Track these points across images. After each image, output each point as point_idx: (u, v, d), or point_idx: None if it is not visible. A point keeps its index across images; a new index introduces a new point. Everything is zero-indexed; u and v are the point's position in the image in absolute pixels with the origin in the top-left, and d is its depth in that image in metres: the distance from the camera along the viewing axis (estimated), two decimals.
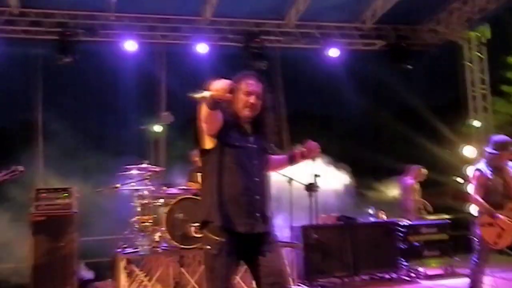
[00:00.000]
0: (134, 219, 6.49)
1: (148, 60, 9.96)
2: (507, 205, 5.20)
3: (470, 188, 5.43)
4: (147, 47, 9.68)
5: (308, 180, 6.80)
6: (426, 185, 13.95)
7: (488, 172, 5.28)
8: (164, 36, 9.67)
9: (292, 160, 3.48)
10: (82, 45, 9.10)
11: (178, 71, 10.10)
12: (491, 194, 5.22)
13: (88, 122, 10.84)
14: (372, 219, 7.85)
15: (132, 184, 6.50)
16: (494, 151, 5.30)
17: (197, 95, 2.81)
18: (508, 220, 5.10)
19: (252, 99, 3.12)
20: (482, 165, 5.36)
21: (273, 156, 3.42)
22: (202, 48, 9.66)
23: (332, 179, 8.63)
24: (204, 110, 2.91)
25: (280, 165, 3.53)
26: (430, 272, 7.60)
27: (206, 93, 2.79)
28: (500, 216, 5.10)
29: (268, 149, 3.29)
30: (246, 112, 3.13)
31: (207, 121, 2.97)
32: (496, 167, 5.30)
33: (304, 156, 3.45)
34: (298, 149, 3.44)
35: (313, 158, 3.56)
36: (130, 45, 9.28)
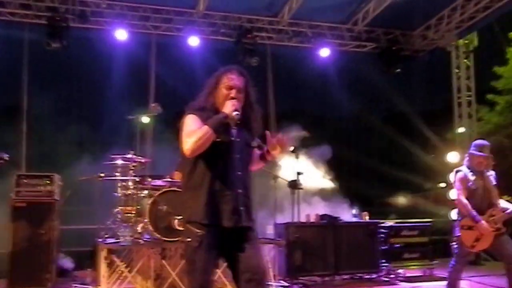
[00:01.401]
0: (117, 209, 6.46)
1: (139, 50, 9.88)
2: (487, 210, 5.28)
3: (453, 192, 5.49)
4: (138, 37, 9.60)
5: (292, 178, 6.83)
6: (411, 189, 14.13)
7: (469, 174, 5.36)
8: (155, 26, 9.60)
9: (262, 158, 3.31)
10: (72, 31, 8.97)
11: (169, 62, 10.05)
12: (472, 198, 5.31)
13: (74, 110, 10.72)
14: (355, 220, 7.90)
15: (116, 174, 6.45)
16: (474, 153, 5.40)
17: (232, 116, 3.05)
18: (489, 226, 5.17)
19: (233, 93, 3.12)
20: (464, 168, 5.46)
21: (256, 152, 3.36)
22: (193, 41, 9.61)
23: (318, 178, 8.69)
24: (203, 133, 2.98)
25: (256, 163, 3.36)
26: (410, 274, 7.69)
27: (231, 115, 3.03)
28: (483, 222, 5.17)
29: (252, 144, 3.25)
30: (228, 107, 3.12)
31: (200, 144, 3.00)
32: (477, 171, 5.39)
33: (272, 152, 3.24)
34: (268, 143, 3.25)
35: (282, 152, 3.31)
36: (121, 34, 9.19)
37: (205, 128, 2.99)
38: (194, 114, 3.14)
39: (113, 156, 6.45)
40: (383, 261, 7.63)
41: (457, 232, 5.40)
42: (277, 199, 6.95)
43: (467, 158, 5.51)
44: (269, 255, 6.37)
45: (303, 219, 7.41)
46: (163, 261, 6.00)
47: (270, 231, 7.20)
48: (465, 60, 10.63)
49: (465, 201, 5.29)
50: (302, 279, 7.11)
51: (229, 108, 3.03)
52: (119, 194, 6.44)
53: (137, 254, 6.29)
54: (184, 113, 3.19)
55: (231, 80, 3.14)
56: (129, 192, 6.40)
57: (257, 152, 3.33)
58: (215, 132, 2.99)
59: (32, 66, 9.46)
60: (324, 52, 10.21)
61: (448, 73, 10.83)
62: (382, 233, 7.72)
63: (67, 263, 7.48)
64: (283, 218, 7.26)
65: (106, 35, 9.27)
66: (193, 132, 3.02)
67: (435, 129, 12.57)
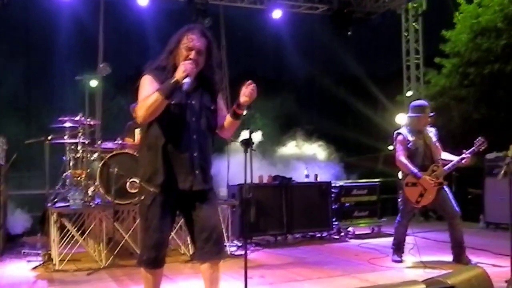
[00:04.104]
0: (66, 173, 6.32)
1: (86, 10, 9.50)
2: (429, 166, 5.52)
3: (396, 152, 5.70)
4: None
5: (244, 136, 6.84)
6: (362, 151, 14.51)
7: (409, 135, 5.58)
8: None
9: (234, 114, 3.16)
10: None
11: (117, 23, 9.74)
12: (414, 156, 5.55)
13: (19, 71, 10.28)
14: (306, 180, 8.06)
15: (64, 136, 6.28)
16: (413, 115, 5.61)
17: (180, 77, 2.92)
18: (431, 180, 5.42)
19: (192, 55, 3.02)
20: (403, 129, 5.67)
21: (225, 116, 3.24)
22: (143, 0, 9.29)
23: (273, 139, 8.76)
24: (153, 100, 2.89)
25: (229, 124, 3.22)
26: (359, 231, 7.97)
27: (183, 75, 2.91)
28: (425, 176, 5.41)
29: (213, 106, 3.18)
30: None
31: (151, 111, 2.92)
32: (417, 131, 5.61)
33: (241, 101, 3.10)
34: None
35: (249, 99, 3.10)
36: None
37: (156, 94, 2.90)
38: (150, 74, 3.06)
39: (61, 119, 6.26)
40: (334, 219, 7.86)
41: (402, 190, 5.64)
42: (229, 161, 6.96)
43: (409, 120, 5.71)
44: (223, 216, 6.43)
45: (256, 180, 7.48)
46: (115, 224, 5.96)
47: (223, 193, 7.24)
48: (414, 24, 10.83)
49: (404, 160, 5.52)
50: (255, 239, 7.25)
51: (180, 73, 2.92)
52: (68, 158, 6.29)
53: (88, 218, 6.23)
54: (138, 75, 3.11)
55: (191, 40, 3.03)
56: (78, 155, 6.26)
57: (226, 114, 3.24)
58: (167, 98, 2.91)
59: None
60: (277, 14, 10.13)
61: (398, 36, 11.02)
62: (333, 192, 7.92)
63: (16, 228, 7.31)
64: (236, 179, 7.30)
65: None
66: (145, 98, 2.94)
67: (386, 92, 12.87)
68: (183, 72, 2.91)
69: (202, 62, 3.07)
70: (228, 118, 3.20)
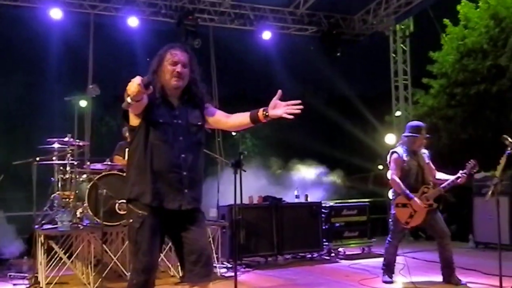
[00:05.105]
0: (54, 194, 6.26)
1: (76, 31, 9.54)
2: (420, 188, 5.54)
3: (389, 171, 5.72)
4: (75, 16, 9.24)
5: (234, 158, 6.84)
6: (351, 171, 14.55)
7: (404, 155, 5.60)
8: (92, 6, 9.27)
9: (255, 119, 3.07)
10: (1, 9, 8.52)
11: (107, 43, 9.76)
12: (406, 177, 5.56)
13: (8, 91, 10.23)
14: (297, 200, 8.04)
15: (53, 158, 6.23)
16: (409, 134, 5.65)
17: (124, 105, 2.81)
18: (422, 203, 5.43)
19: (178, 68, 3.06)
20: (399, 149, 5.69)
21: (231, 115, 3.19)
22: (133, 21, 9.37)
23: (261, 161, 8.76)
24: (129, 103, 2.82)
25: (243, 124, 3.16)
26: (349, 251, 7.95)
27: (128, 99, 2.77)
28: (415, 198, 5.42)
29: (201, 122, 3.17)
30: (174, 82, 3.07)
31: (132, 108, 2.92)
32: (412, 151, 5.64)
33: (270, 116, 2.99)
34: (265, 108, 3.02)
35: (282, 117, 2.99)
36: (55, 13, 8.81)
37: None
38: None
39: (49, 140, 6.23)
40: (324, 240, 7.84)
41: (393, 210, 5.65)
42: (219, 181, 6.94)
43: (403, 139, 5.74)
44: (213, 237, 6.39)
45: (246, 201, 7.46)
46: (104, 246, 5.89)
47: (213, 213, 7.20)
48: (402, 45, 11.01)
49: (398, 180, 5.53)
50: (245, 260, 7.19)
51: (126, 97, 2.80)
52: (56, 179, 6.24)
53: (76, 240, 6.15)
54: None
55: (175, 55, 3.08)
56: (67, 176, 6.21)
57: (218, 112, 3.22)
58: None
59: None
60: (266, 35, 10.25)
61: (387, 58, 11.18)
62: (323, 213, 7.91)
63: (3, 251, 7.19)
64: (226, 200, 7.27)
65: (40, 14, 8.87)
66: None
67: (375, 112, 12.98)
68: (127, 96, 2.80)
69: (188, 75, 3.11)
70: (244, 118, 3.11)
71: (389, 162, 5.70)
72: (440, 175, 5.66)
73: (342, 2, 10.23)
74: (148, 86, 2.79)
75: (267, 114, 3.00)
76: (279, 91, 3.01)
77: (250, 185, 7.84)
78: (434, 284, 5.41)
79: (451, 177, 5.49)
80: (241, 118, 3.14)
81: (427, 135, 5.72)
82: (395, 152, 5.67)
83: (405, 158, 5.60)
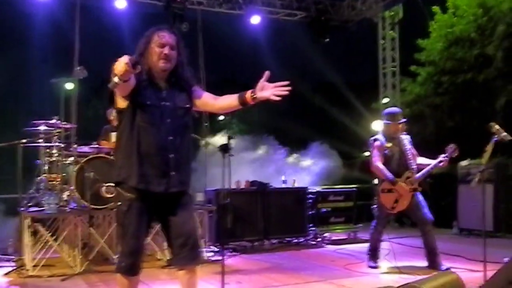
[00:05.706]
0: (41, 177, 6.20)
1: (62, 12, 9.38)
2: (404, 173, 5.60)
3: (372, 158, 5.78)
4: None
5: (222, 142, 6.84)
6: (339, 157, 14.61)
7: (384, 141, 5.66)
8: None
9: (243, 101, 3.05)
10: None
11: (94, 25, 9.63)
12: (389, 163, 5.63)
13: None
14: (284, 186, 8.08)
15: (39, 140, 6.17)
16: (387, 122, 5.71)
17: (111, 85, 2.76)
18: (406, 187, 5.50)
19: (166, 50, 3.04)
20: (380, 136, 5.76)
21: (218, 97, 3.18)
22: (120, 3, 9.23)
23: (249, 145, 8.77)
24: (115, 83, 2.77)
25: (230, 106, 3.14)
26: (335, 237, 8.03)
27: (115, 79, 2.72)
28: (400, 182, 5.49)
29: (189, 104, 3.16)
30: (161, 64, 3.05)
31: (119, 89, 2.88)
32: (391, 137, 5.70)
33: (258, 97, 2.98)
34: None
35: (270, 99, 2.95)
36: None
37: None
38: None
39: (35, 122, 6.16)
40: (311, 225, 7.90)
41: (378, 196, 5.71)
42: (207, 165, 6.95)
43: (384, 127, 5.81)
44: (200, 221, 6.41)
45: (233, 185, 7.47)
46: (91, 229, 5.88)
47: (200, 197, 7.21)
48: (391, 32, 11.02)
49: (381, 166, 5.60)
50: (232, 244, 7.23)
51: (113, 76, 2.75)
52: (43, 162, 6.18)
53: (63, 223, 6.12)
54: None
55: (162, 37, 3.05)
56: (53, 159, 6.16)
57: (208, 96, 3.20)
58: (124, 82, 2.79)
59: None
60: (255, 20, 10.18)
61: (375, 44, 11.19)
62: (310, 198, 7.96)
63: None
64: (214, 184, 7.28)
65: None
66: None
67: (362, 98, 13.03)
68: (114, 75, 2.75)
69: (175, 58, 3.09)
70: (233, 101, 3.10)
71: (372, 150, 5.77)
72: (421, 160, 5.74)
73: None
74: (136, 65, 2.76)
75: (255, 96, 2.99)
76: (267, 72, 2.99)
77: (236, 170, 7.87)
78: (419, 270, 5.49)
79: (433, 161, 5.57)
80: (229, 100, 3.14)
81: (403, 120, 5.77)
82: (376, 139, 5.74)
83: (387, 145, 5.67)
